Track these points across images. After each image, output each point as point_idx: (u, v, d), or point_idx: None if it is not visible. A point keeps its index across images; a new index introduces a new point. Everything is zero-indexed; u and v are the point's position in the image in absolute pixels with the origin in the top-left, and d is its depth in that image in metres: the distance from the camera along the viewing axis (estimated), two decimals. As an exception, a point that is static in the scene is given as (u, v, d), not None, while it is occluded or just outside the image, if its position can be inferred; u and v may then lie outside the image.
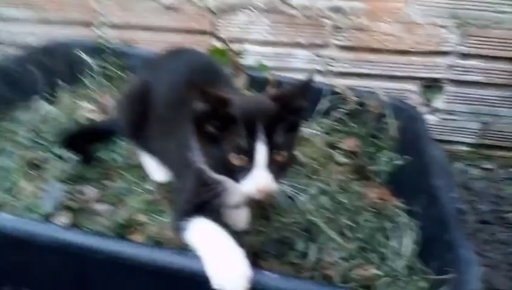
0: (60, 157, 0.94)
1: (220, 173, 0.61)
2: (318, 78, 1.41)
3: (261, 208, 0.85)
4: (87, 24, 1.45)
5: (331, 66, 1.40)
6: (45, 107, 1.11)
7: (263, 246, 0.79)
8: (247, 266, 0.57)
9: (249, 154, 0.56)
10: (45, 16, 1.45)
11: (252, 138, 0.56)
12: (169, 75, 0.80)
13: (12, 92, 1.12)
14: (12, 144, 0.97)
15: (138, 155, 0.92)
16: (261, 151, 0.56)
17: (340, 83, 1.23)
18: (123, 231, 0.78)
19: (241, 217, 0.79)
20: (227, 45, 1.27)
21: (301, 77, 1.34)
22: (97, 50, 1.30)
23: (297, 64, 1.42)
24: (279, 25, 1.37)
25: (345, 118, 1.18)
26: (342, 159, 0.99)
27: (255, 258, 0.76)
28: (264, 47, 1.41)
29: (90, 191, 0.87)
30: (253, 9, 1.36)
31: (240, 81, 1.21)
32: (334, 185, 0.88)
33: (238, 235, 0.75)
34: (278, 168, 0.58)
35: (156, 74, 0.83)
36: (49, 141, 0.98)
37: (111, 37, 1.42)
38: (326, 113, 1.19)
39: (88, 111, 1.10)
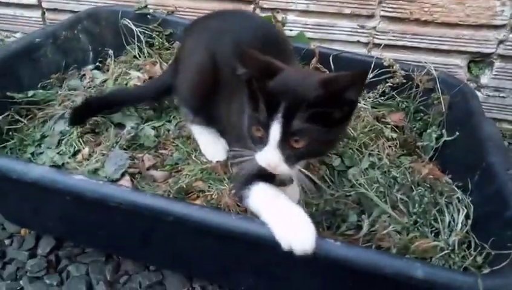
0: (115, 124, 0.97)
1: (249, 139, 0.63)
2: (362, 50, 1.40)
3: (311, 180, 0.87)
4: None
5: (376, 38, 1.38)
6: (97, 75, 1.14)
7: (315, 218, 0.81)
8: (312, 225, 0.59)
9: (266, 129, 0.58)
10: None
11: (271, 115, 0.57)
12: (233, 41, 0.79)
13: (65, 59, 1.15)
14: (69, 111, 0.99)
15: (193, 131, 0.94)
16: (275, 130, 0.57)
17: (385, 55, 1.21)
18: (183, 196, 0.81)
19: (293, 192, 0.79)
20: (274, 16, 1.25)
21: (345, 49, 1.36)
22: (140, 18, 1.30)
23: (340, 36, 1.40)
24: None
25: (392, 92, 1.17)
26: (391, 134, 0.99)
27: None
28: (306, 17, 1.39)
29: (147, 159, 0.90)
30: (298, -22, 1.33)
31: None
32: (385, 160, 0.89)
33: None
34: (293, 153, 0.58)
35: (218, 39, 0.82)
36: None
37: (151, 4, 1.43)
38: (372, 87, 1.18)
39: (137, 80, 1.12)
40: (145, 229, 0.72)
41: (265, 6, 1.39)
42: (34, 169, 0.67)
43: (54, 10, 1.54)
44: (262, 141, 0.59)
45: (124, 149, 0.91)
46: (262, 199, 0.65)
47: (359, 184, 0.82)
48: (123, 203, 0.64)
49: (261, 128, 0.59)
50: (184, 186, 0.79)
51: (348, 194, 0.83)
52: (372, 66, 1.16)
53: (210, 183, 0.83)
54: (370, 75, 1.17)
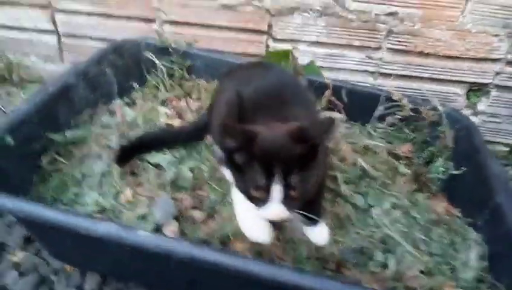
0: (152, 164, 1.03)
1: (246, 198, 0.72)
2: (370, 80, 1.50)
3: (337, 218, 0.96)
4: (147, 20, 1.50)
5: (382, 68, 1.47)
6: (126, 111, 1.19)
7: (343, 255, 0.90)
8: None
9: (266, 190, 0.66)
10: (106, 10, 1.50)
11: (269, 177, 0.65)
12: (254, 90, 0.86)
13: (93, 94, 1.20)
14: (106, 150, 1.05)
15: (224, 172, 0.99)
16: (276, 190, 0.66)
17: (390, 84, 1.30)
18: (224, 239, 0.89)
19: (322, 233, 0.86)
20: (292, 52, 1.32)
21: (352, 77, 1.45)
22: (162, 50, 1.36)
23: (348, 65, 1.49)
24: (334, 28, 1.42)
25: (400, 124, 1.26)
26: (405, 170, 1.09)
27: (338, 267, 0.88)
28: (317, 48, 1.47)
29: (186, 200, 0.97)
30: (310, 12, 1.41)
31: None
32: (403, 198, 0.99)
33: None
34: (291, 201, 0.68)
35: (245, 84, 0.89)
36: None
37: (169, 32, 1.48)
38: (382, 119, 1.27)
39: (166, 116, 1.18)
40: (200, 277, 0.80)
41: (278, 37, 1.46)
42: (101, 226, 0.74)
43: (70, 36, 1.58)
44: (263, 200, 0.68)
45: (166, 191, 0.97)
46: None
47: (384, 224, 0.92)
48: (189, 259, 0.71)
49: (261, 190, 0.67)
50: (230, 235, 0.87)
51: (373, 233, 0.92)
52: (382, 99, 1.25)
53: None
54: (380, 108, 1.27)
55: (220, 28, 1.48)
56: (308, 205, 0.79)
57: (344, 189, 0.97)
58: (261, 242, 0.77)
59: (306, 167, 0.67)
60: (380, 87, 1.35)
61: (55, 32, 1.57)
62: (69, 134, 1.07)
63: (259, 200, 0.68)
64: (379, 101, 1.27)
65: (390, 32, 1.40)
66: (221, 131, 0.68)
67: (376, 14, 1.37)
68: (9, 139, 0.91)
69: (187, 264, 0.72)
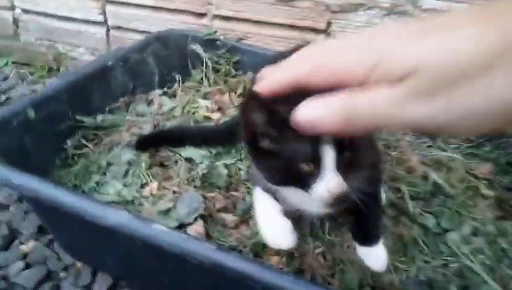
0: (185, 159, 0.91)
1: (285, 184, 0.56)
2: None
3: (401, 241, 0.78)
4: (197, 15, 1.42)
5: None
6: (165, 102, 1.09)
7: (406, 287, 0.72)
8: None
9: (316, 159, 0.50)
10: (156, 3, 1.44)
11: (315, 142, 0.49)
12: None
13: (133, 82, 1.11)
14: (138, 137, 0.95)
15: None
16: (328, 154, 0.49)
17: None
18: (260, 250, 0.73)
19: (379, 256, 0.68)
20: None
21: None
22: (209, 43, 1.26)
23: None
24: (403, 29, 1.26)
25: (479, 140, 1.06)
26: (487, 191, 0.88)
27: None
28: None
29: (218, 200, 0.83)
30: (376, 10, 1.26)
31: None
32: (489, 224, 0.78)
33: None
34: (347, 169, 0.51)
35: None
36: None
37: (220, 28, 1.39)
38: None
39: (206, 110, 1.06)
40: (219, 283, 0.64)
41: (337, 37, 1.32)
42: (111, 214, 0.61)
43: (119, 28, 1.53)
44: (312, 174, 0.51)
45: (195, 187, 0.84)
46: None
47: (462, 253, 0.72)
48: (206, 262, 0.57)
49: (310, 161, 0.50)
50: (264, 245, 0.71)
51: (445, 262, 0.73)
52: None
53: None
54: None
55: (273, 24, 1.36)
56: (363, 217, 0.64)
57: (411, 206, 0.78)
58: (285, 248, 0.62)
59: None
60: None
61: (105, 23, 1.53)
62: (100, 118, 0.98)
63: (308, 176, 0.51)
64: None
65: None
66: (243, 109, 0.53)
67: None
68: (31, 113, 0.82)
69: (207, 270, 0.57)
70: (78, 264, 0.88)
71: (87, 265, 0.87)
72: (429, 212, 0.80)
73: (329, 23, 1.31)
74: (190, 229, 0.76)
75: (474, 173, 0.97)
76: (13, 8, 1.61)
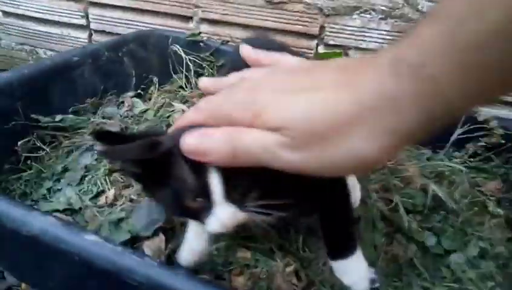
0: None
1: (180, 216, 0.55)
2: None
3: (395, 262, 0.65)
4: (184, 18, 1.34)
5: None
6: (137, 104, 0.99)
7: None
8: None
9: (204, 192, 0.43)
10: (142, 5, 1.36)
11: (199, 174, 0.42)
12: None
13: (104, 84, 1.02)
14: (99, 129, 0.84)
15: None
16: (216, 185, 0.42)
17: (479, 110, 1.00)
18: (224, 270, 0.61)
19: (357, 271, 0.55)
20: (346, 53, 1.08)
21: None
22: (192, 45, 1.17)
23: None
24: (401, 34, 1.16)
25: (486, 153, 0.95)
26: (497, 209, 0.76)
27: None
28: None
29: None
30: (372, 13, 1.17)
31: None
32: (499, 246, 0.66)
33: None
34: (245, 193, 0.45)
35: None
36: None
37: (207, 32, 1.31)
38: (460, 145, 0.96)
39: (182, 113, 0.96)
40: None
41: (331, 42, 1.23)
42: (36, 220, 0.50)
43: (102, 32, 1.45)
44: (203, 207, 0.44)
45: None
46: None
47: (468, 279, 0.59)
48: (146, 283, 0.45)
49: (196, 197, 0.43)
50: (230, 260, 0.59)
51: (448, 288, 0.60)
52: (462, 120, 0.95)
53: (257, 258, 0.62)
54: (459, 131, 0.96)
55: (263, 29, 1.27)
56: (326, 224, 0.54)
57: (406, 219, 0.66)
58: (184, 265, 0.59)
59: None
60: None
61: (88, 27, 1.45)
62: (59, 118, 0.87)
63: (199, 211, 0.44)
64: (458, 122, 0.96)
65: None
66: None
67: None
68: (-29, 106, 0.72)
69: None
70: (23, 285, 0.77)
71: (32, 287, 0.75)
72: (429, 229, 0.68)
73: (322, 28, 1.22)
74: (148, 244, 0.65)
75: (480, 189, 0.85)
76: (-7, 10, 1.55)
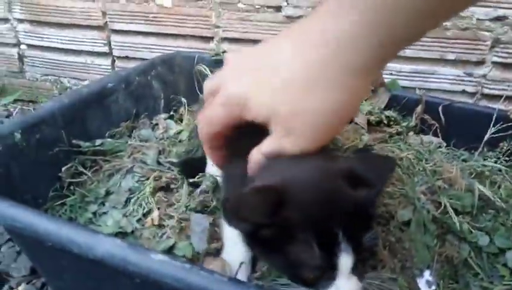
0: (191, 184, 0.81)
1: (290, 279, 0.49)
2: (468, 102, 1.20)
3: (449, 263, 0.65)
4: (205, 38, 1.37)
5: (486, 87, 1.17)
6: (171, 125, 1.01)
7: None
8: None
9: (327, 265, 0.42)
10: (162, 29, 1.40)
11: (328, 246, 0.42)
12: None
13: (136, 107, 1.04)
14: (141, 165, 0.85)
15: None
16: (345, 259, 0.42)
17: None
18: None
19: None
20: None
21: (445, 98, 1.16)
22: (217, 64, 1.19)
23: (441, 85, 1.21)
24: (423, 38, 1.17)
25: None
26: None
27: None
28: (400, 63, 1.22)
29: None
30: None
31: (380, 98, 1.04)
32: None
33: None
34: (361, 265, 0.45)
35: None
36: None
37: (228, 50, 1.33)
38: (493, 145, 0.96)
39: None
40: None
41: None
42: (101, 243, 0.51)
43: (124, 58, 1.49)
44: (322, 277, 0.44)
45: (198, 212, 0.74)
46: None
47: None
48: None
49: (318, 268, 0.43)
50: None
51: (509, 287, 0.60)
52: (498, 119, 0.95)
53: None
54: (492, 130, 0.96)
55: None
56: None
57: (458, 221, 0.66)
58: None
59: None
60: (490, 106, 1.05)
61: (110, 54, 1.49)
62: (99, 142, 0.89)
63: (317, 280, 0.44)
64: (490, 122, 0.96)
65: (496, 41, 1.12)
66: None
67: (478, 20, 1.11)
68: (18, 137, 0.74)
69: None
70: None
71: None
72: (480, 229, 0.67)
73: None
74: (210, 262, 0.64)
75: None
76: (18, 44, 1.59)
